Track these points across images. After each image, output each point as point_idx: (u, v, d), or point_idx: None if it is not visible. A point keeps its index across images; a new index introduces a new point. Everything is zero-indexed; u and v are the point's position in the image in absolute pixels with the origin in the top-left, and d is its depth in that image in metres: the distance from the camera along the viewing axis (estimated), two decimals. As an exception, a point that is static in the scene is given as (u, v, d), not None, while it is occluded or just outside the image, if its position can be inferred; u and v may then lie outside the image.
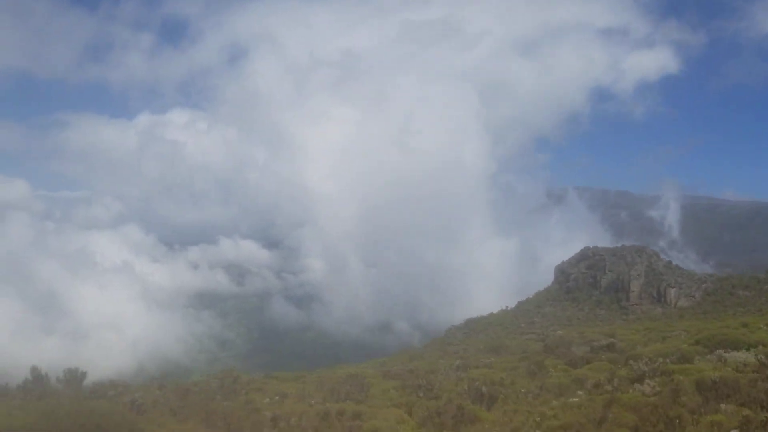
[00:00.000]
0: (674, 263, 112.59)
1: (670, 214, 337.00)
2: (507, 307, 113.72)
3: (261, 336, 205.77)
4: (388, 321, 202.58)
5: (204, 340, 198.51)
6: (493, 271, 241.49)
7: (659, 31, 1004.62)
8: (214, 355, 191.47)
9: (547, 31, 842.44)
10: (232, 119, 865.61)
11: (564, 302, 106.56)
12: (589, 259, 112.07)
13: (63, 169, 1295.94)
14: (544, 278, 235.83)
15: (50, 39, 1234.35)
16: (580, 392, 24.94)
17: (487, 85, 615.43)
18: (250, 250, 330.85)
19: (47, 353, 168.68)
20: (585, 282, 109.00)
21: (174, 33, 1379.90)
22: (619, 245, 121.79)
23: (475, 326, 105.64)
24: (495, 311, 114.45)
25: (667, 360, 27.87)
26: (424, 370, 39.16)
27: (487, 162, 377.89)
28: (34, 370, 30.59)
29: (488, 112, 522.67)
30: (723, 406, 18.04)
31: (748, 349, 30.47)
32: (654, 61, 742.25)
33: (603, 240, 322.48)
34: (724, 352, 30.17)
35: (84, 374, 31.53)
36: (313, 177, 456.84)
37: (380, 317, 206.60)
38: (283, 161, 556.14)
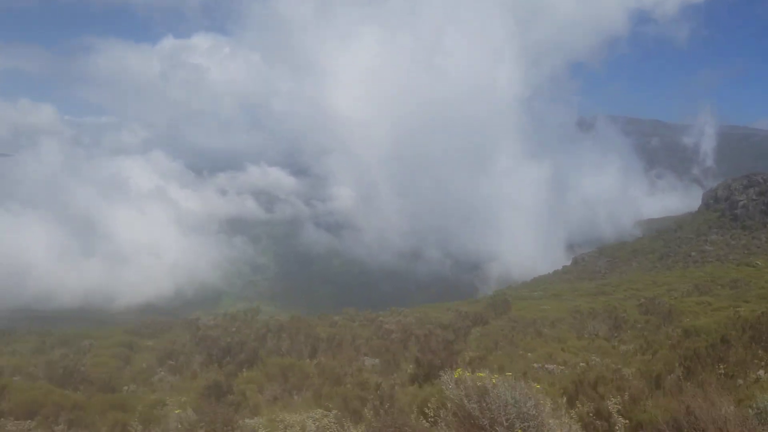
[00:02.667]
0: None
1: (705, 142, 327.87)
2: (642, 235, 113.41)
3: (293, 261, 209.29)
4: (419, 248, 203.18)
5: (239, 265, 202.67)
6: (523, 199, 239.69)
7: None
8: (249, 279, 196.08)
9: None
10: (256, 43, 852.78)
11: (733, 230, 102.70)
12: (759, 185, 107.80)
13: (88, 95, 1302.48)
14: (576, 207, 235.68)
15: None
16: None
17: (522, 5, 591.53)
18: (278, 177, 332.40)
19: (90, 276, 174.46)
20: (756, 209, 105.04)
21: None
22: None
23: (614, 253, 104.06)
24: (629, 239, 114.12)
25: None
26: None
27: (520, 86, 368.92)
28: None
29: (523, 34, 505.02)
30: None
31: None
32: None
33: (635, 169, 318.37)
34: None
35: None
36: (340, 101, 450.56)
37: (410, 245, 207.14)
38: (310, 86, 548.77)
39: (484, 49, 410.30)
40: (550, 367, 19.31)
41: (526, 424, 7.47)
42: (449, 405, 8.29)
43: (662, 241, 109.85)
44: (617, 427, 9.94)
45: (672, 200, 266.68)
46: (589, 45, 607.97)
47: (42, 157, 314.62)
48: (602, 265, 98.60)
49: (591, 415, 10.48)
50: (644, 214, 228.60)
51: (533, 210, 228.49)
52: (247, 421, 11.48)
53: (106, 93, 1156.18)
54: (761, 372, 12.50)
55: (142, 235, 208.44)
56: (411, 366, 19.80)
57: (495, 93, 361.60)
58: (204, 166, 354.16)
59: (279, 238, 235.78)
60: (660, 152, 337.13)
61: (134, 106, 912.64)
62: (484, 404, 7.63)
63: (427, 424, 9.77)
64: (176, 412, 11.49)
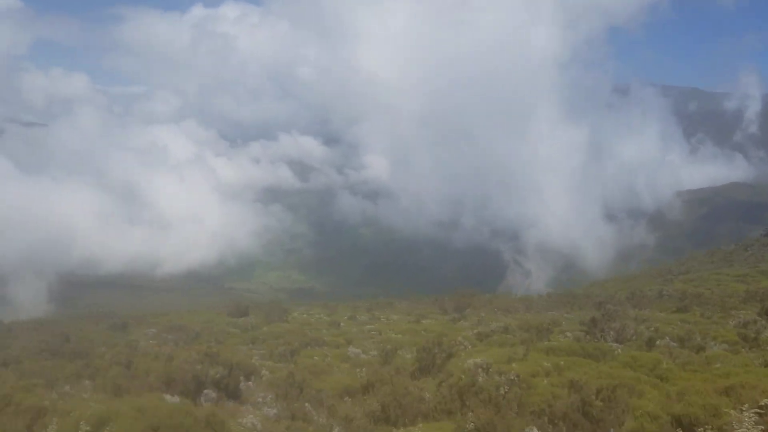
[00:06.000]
0: None
1: (749, 108, 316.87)
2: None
3: (328, 231, 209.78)
4: (455, 215, 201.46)
5: (276, 234, 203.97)
6: (560, 163, 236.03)
7: None
8: (286, 247, 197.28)
9: None
10: (284, 10, 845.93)
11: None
12: None
13: (118, 64, 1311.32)
14: (613, 174, 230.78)
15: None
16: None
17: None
18: (310, 146, 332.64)
19: (132, 243, 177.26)
20: None
21: None
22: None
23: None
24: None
25: None
26: None
27: (557, 48, 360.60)
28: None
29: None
30: None
31: None
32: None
33: (674, 136, 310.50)
34: None
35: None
36: (371, 66, 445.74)
37: (447, 211, 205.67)
38: (339, 52, 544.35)
39: (520, 8, 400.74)
40: None
41: None
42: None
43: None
44: None
45: (714, 169, 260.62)
46: (628, 9, 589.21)
47: (78, 125, 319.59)
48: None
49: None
50: (685, 184, 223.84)
51: (570, 175, 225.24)
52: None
53: (136, 62, 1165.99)
54: None
55: (182, 203, 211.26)
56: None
57: (531, 54, 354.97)
58: (236, 134, 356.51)
59: (314, 207, 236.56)
60: (699, 119, 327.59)
61: (164, 76, 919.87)
62: None
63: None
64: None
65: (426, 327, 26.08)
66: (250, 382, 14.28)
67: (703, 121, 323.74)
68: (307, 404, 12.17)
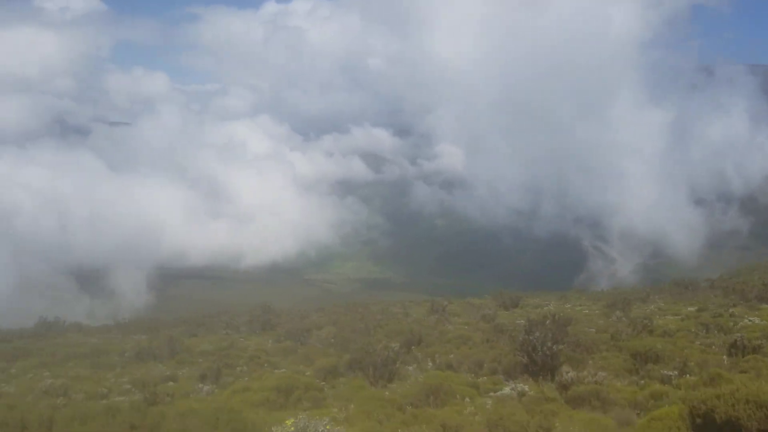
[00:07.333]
0: None
1: None
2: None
3: (404, 222, 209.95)
4: (534, 204, 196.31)
5: (352, 226, 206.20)
6: (643, 147, 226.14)
7: None
8: (362, 239, 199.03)
9: None
10: (354, 2, 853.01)
11: None
12: None
13: (194, 62, 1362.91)
14: (701, 157, 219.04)
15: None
16: None
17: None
18: (381, 138, 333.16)
19: (217, 236, 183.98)
20: None
21: None
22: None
23: None
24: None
25: None
26: None
27: (639, 28, 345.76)
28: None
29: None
30: None
31: None
32: None
33: (764, 116, 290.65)
34: None
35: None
36: (443, 54, 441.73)
37: (525, 200, 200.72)
38: (410, 42, 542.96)
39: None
40: None
41: None
42: None
43: None
44: None
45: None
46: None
47: (160, 123, 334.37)
48: None
49: None
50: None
51: (655, 159, 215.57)
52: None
53: (212, 60, 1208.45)
54: None
55: (261, 197, 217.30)
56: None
57: (611, 35, 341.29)
58: (308, 128, 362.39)
59: (388, 198, 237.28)
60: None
61: (238, 72, 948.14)
62: None
63: None
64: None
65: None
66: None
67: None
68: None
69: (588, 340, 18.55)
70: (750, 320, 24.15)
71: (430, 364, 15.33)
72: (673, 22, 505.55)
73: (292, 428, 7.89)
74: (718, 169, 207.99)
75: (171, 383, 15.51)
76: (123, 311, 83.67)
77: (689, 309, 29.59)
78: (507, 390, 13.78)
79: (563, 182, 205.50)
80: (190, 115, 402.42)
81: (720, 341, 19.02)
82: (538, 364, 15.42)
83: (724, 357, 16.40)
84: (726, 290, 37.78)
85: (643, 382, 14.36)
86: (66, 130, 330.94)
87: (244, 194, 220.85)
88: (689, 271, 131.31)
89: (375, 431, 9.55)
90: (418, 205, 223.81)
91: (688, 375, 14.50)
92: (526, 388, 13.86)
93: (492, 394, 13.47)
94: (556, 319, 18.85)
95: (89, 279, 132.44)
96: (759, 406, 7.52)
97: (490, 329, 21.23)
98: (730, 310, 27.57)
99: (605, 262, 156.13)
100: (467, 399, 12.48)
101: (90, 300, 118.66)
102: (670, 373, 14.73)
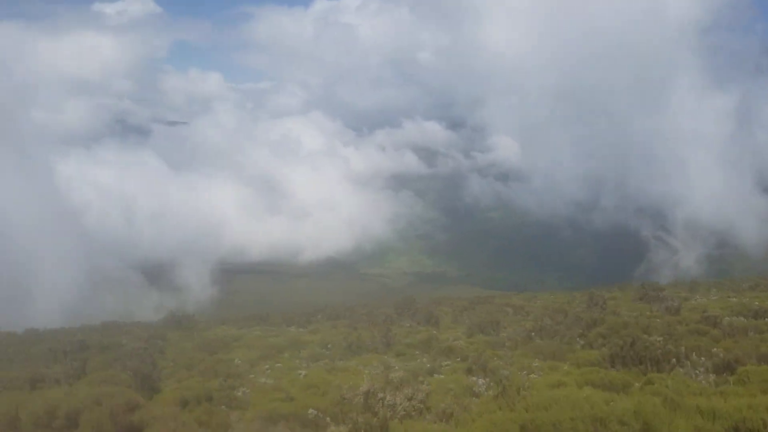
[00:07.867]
0: None
1: None
2: None
3: (459, 215, 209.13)
4: (593, 195, 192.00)
5: (408, 220, 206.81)
6: (706, 134, 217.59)
7: None
8: (418, 233, 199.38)
9: None
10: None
11: None
12: None
13: (246, 61, 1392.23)
14: (766, 142, 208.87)
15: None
16: None
17: None
18: (434, 131, 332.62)
19: (275, 232, 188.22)
20: None
21: None
22: None
23: None
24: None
25: None
26: None
27: (698, 12, 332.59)
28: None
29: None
30: None
31: None
32: None
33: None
34: None
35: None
36: (494, 46, 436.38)
37: (584, 191, 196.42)
38: (460, 33, 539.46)
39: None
40: None
41: None
42: None
43: None
44: None
45: None
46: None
47: (216, 122, 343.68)
48: None
49: None
50: None
51: (719, 146, 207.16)
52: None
53: (264, 58, 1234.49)
54: None
55: (317, 192, 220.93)
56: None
57: (669, 20, 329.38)
58: (361, 123, 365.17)
59: (442, 191, 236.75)
60: None
61: (290, 69, 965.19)
62: None
63: None
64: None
65: None
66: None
67: None
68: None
69: None
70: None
71: (703, 359, 12.50)
72: (735, 4, 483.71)
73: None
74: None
75: (435, 375, 13.98)
76: (189, 305, 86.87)
77: None
78: None
79: (623, 172, 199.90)
80: (244, 114, 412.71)
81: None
82: None
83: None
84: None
85: None
86: (127, 131, 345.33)
87: (300, 190, 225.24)
88: (758, 261, 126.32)
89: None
90: (473, 198, 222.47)
91: None
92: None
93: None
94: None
95: (155, 274, 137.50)
96: None
97: (701, 320, 16.99)
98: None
99: (668, 253, 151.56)
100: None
101: (158, 294, 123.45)
102: None
